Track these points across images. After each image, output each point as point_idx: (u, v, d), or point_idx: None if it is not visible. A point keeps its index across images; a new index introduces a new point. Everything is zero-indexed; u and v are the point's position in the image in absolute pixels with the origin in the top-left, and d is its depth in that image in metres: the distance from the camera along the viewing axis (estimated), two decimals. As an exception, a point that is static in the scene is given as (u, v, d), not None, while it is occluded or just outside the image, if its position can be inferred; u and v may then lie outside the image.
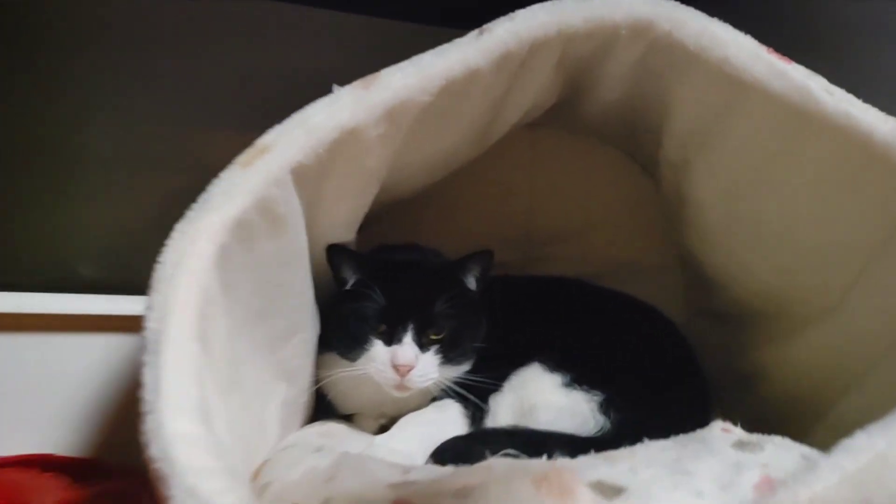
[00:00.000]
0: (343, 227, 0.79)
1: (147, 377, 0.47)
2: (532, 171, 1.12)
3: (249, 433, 0.65)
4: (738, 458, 0.51)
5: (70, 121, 0.94)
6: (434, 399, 0.86)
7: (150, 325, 0.50)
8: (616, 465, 0.51)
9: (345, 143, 0.64)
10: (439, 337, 0.81)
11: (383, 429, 0.83)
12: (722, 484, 0.48)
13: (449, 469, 0.55)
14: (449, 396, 0.85)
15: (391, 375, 0.78)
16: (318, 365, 0.86)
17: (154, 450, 0.44)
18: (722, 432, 0.57)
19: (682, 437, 0.58)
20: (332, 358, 0.84)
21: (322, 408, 0.89)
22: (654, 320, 0.93)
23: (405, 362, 0.77)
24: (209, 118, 1.00)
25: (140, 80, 0.96)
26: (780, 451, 0.52)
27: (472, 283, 0.86)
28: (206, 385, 0.51)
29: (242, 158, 0.60)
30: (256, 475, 0.63)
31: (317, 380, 0.85)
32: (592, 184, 1.11)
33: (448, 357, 0.81)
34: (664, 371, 0.85)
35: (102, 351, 0.83)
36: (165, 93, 0.98)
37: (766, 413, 0.89)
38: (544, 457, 0.54)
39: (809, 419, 0.79)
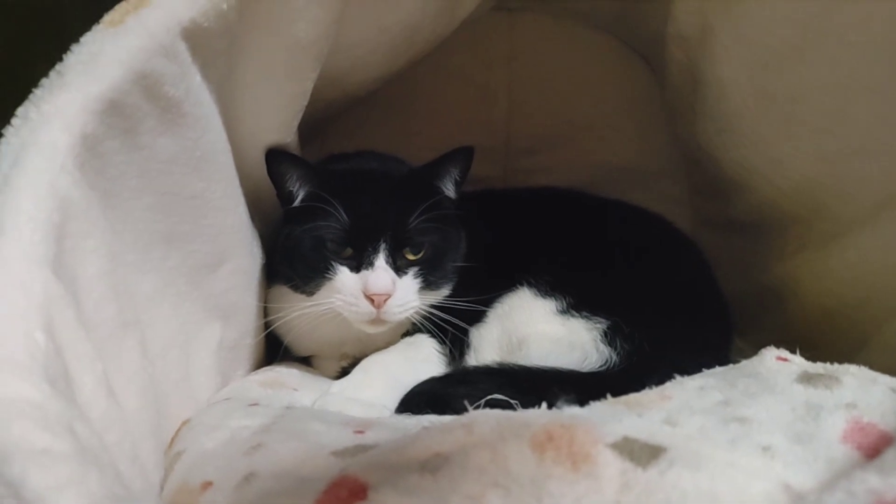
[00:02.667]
0: (276, 124, 0.62)
1: (-39, 322, 0.32)
2: (511, 66, 0.95)
3: (161, 389, 0.50)
4: (808, 396, 0.38)
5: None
6: (405, 335, 0.72)
7: (-27, 244, 0.34)
8: (645, 415, 0.37)
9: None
10: (417, 257, 0.65)
11: (347, 372, 0.69)
12: (796, 434, 0.34)
13: (416, 426, 0.41)
14: (421, 330, 0.71)
15: (364, 308, 0.62)
16: (268, 300, 0.71)
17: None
18: (778, 362, 0.43)
19: (724, 371, 0.44)
20: (284, 292, 0.69)
21: (275, 350, 0.74)
22: (661, 230, 0.79)
23: (381, 290, 0.62)
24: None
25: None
26: (864, 386, 0.38)
27: (450, 189, 0.70)
28: (61, 329, 0.35)
29: (111, 16, 0.43)
30: (172, 442, 0.49)
31: (266, 319, 0.71)
32: (581, 79, 0.95)
33: (428, 280, 0.66)
34: (677, 289, 0.71)
35: None
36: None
37: (794, 334, 0.76)
38: (543, 404, 0.40)
39: (853, 341, 0.66)
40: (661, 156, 0.96)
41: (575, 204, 0.81)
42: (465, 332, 0.70)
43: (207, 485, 0.37)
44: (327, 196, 0.63)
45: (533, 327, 0.68)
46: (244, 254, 0.64)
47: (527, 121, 0.98)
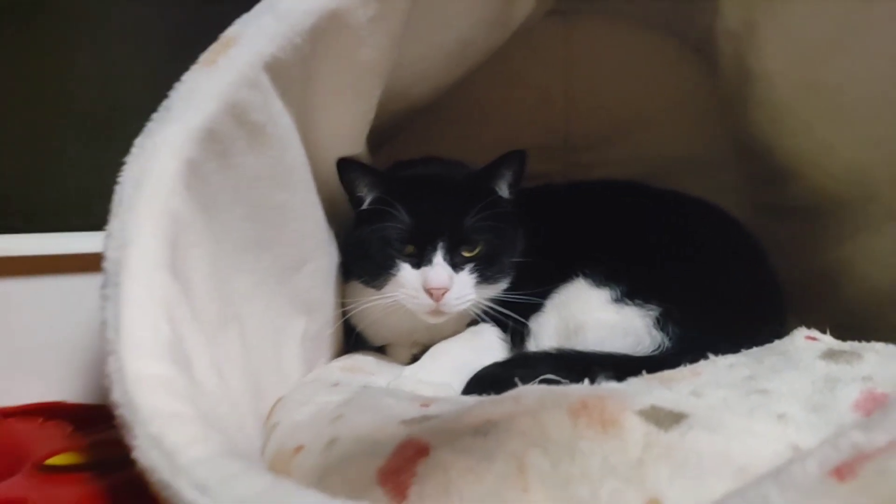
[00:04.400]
0: (347, 138, 0.70)
1: (107, 313, 0.40)
2: (568, 68, 0.99)
3: (258, 373, 0.58)
4: (829, 370, 0.41)
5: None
6: (471, 324, 0.78)
7: (109, 254, 0.43)
8: (674, 388, 0.41)
9: (328, 31, 0.54)
10: (473, 254, 0.71)
11: (417, 359, 0.76)
12: (812, 405, 0.38)
13: (472, 400, 0.47)
14: (485, 320, 0.76)
15: (424, 300, 0.69)
16: (345, 295, 0.79)
17: (116, 394, 0.37)
18: (806, 341, 0.46)
19: (755, 351, 0.48)
20: (358, 287, 0.76)
21: (353, 341, 0.82)
22: (716, 219, 0.81)
23: (439, 285, 0.68)
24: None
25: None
26: (885, 361, 0.41)
27: (504, 190, 0.76)
28: (180, 322, 0.43)
29: (205, 56, 0.51)
30: (269, 416, 0.57)
31: (343, 312, 0.78)
32: (636, 76, 0.97)
33: (484, 275, 0.72)
34: (731, 276, 0.73)
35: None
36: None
37: (852, 318, 0.77)
38: (586, 382, 0.45)
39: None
40: (716, 146, 0.97)
41: (628, 196, 0.84)
42: (526, 321, 0.75)
43: (299, 448, 0.45)
44: (391, 200, 0.70)
45: (589, 315, 0.72)
46: (323, 254, 0.72)
47: (584, 119, 1.01)
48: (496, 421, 0.38)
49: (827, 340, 0.46)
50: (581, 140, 1.01)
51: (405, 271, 0.70)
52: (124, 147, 0.47)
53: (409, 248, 0.70)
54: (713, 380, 0.42)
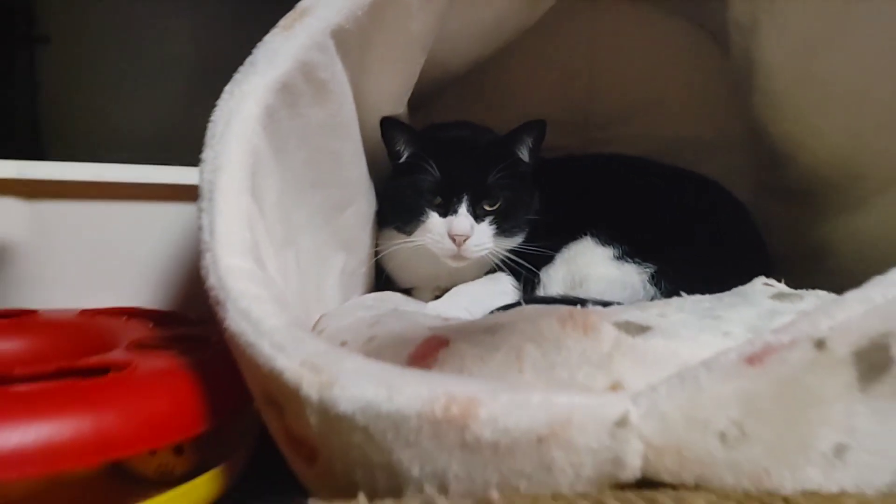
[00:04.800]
0: (392, 99, 0.80)
1: (203, 221, 0.51)
2: (592, 49, 1.08)
3: (306, 293, 0.69)
4: (774, 306, 0.51)
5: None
6: (489, 273, 0.89)
7: (205, 176, 0.53)
8: (646, 311, 0.52)
9: (384, 6, 0.64)
10: (493, 208, 0.82)
11: (440, 300, 0.87)
12: (751, 327, 0.48)
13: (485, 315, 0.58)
14: (502, 269, 0.87)
15: (448, 245, 0.80)
16: (378, 240, 0.90)
17: (211, 279, 0.48)
18: (763, 287, 0.56)
19: (722, 294, 0.58)
20: (390, 233, 0.87)
21: (383, 283, 0.93)
22: (712, 193, 0.90)
23: (461, 232, 0.79)
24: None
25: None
26: (820, 301, 0.51)
27: (525, 154, 0.86)
28: (257, 233, 0.54)
29: (284, 22, 0.61)
30: (315, 326, 0.68)
31: (376, 253, 0.89)
32: (656, 59, 1.06)
33: (502, 228, 0.83)
34: (722, 243, 0.83)
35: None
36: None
37: (838, 291, 0.86)
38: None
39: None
40: (726, 130, 1.06)
41: (634, 168, 0.94)
42: (537, 272, 0.86)
43: (343, 343, 0.56)
44: (425, 156, 0.81)
45: (593, 269, 0.83)
46: (364, 200, 0.83)
47: (605, 98, 1.10)
48: (502, 324, 0.49)
49: (780, 287, 0.56)
50: (601, 118, 1.10)
51: (433, 219, 0.81)
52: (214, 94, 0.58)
53: (438, 199, 0.81)
54: (678, 307, 0.52)
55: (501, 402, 0.38)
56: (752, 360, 0.38)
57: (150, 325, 0.66)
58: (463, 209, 0.80)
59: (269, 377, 0.43)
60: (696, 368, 0.39)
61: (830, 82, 0.73)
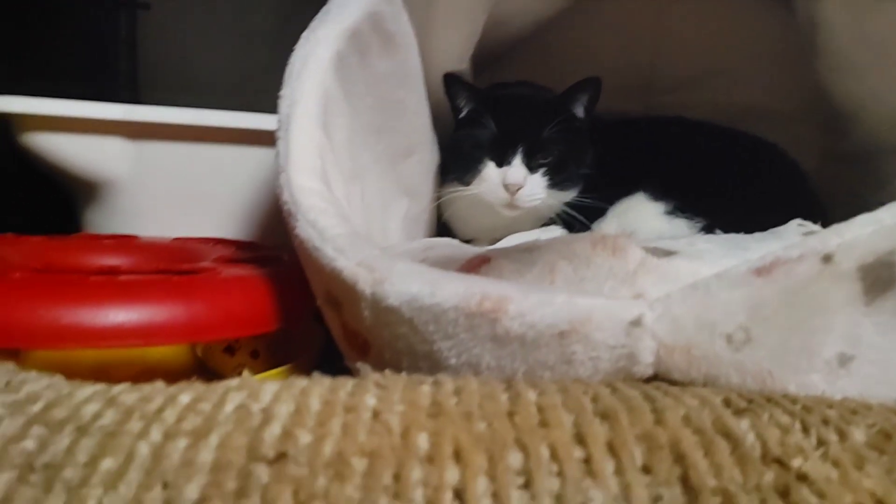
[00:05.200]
0: (455, 56, 0.85)
1: (280, 148, 0.59)
2: (658, 11, 1.09)
3: (371, 225, 0.76)
4: (801, 240, 0.53)
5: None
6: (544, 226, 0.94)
7: (282, 110, 0.60)
8: (677, 241, 0.55)
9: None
10: (547, 160, 0.86)
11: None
12: (776, 254, 0.51)
13: (527, 244, 0.63)
14: (556, 223, 0.91)
15: (502, 194, 0.86)
16: (440, 192, 0.96)
17: (285, 195, 0.55)
18: (798, 227, 0.58)
19: (756, 233, 0.61)
20: (451, 184, 0.93)
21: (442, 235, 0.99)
22: (768, 154, 0.91)
23: (514, 181, 0.84)
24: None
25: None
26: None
27: (580, 111, 0.90)
28: (326, 163, 0.61)
29: (356, -24, 0.67)
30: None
31: (437, 203, 0.95)
32: (722, 24, 1.06)
33: (555, 180, 0.87)
34: (775, 203, 0.85)
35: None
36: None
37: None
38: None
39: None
40: (791, 97, 1.05)
41: (689, 129, 0.96)
42: (589, 226, 0.90)
43: (399, 263, 0.62)
44: (483, 111, 0.86)
45: (644, 223, 0.86)
46: (427, 150, 0.89)
47: (669, 63, 1.11)
48: (540, 244, 0.54)
49: (813, 227, 0.58)
50: (664, 83, 1.12)
51: (489, 169, 0.86)
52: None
53: (494, 151, 0.86)
54: (707, 240, 0.55)
55: (529, 300, 0.43)
56: (761, 271, 0.42)
57: (234, 249, 0.75)
58: (517, 160, 0.85)
59: (331, 276, 0.50)
60: (708, 278, 0.43)
61: (886, 41, 0.73)
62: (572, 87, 0.88)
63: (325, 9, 0.66)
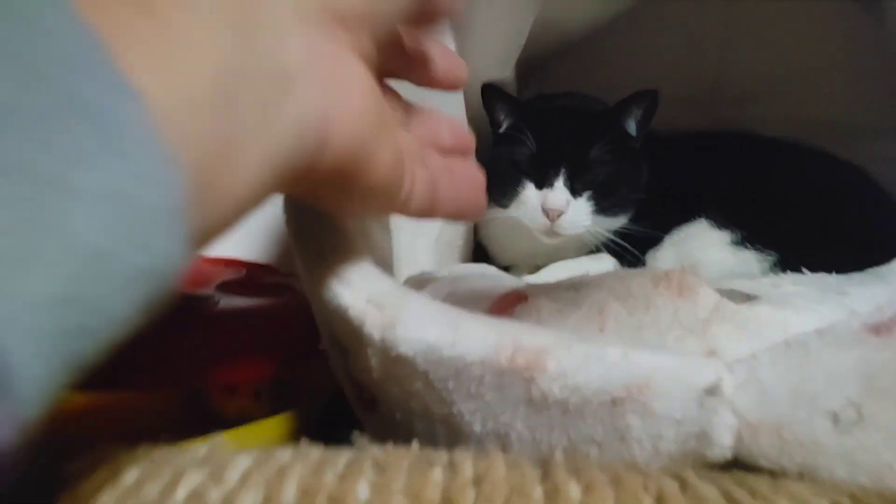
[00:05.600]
0: (497, 62, 0.77)
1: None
2: (726, 15, 0.99)
3: (397, 248, 0.68)
4: (916, 287, 0.43)
5: None
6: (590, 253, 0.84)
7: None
8: (758, 283, 0.45)
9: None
10: (593, 184, 0.77)
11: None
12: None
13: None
14: (605, 251, 0.82)
15: (541, 219, 0.76)
16: (477, 215, 0.88)
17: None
18: (905, 266, 0.48)
19: (853, 273, 0.50)
20: (489, 206, 0.85)
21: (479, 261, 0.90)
22: (849, 176, 0.80)
23: (555, 206, 0.75)
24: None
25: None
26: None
27: (632, 127, 0.80)
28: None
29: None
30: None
31: (475, 227, 0.87)
32: (797, 30, 0.95)
33: (602, 206, 0.77)
34: (860, 232, 0.73)
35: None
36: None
37: None
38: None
39: None
40: (880, 112, 0.94)
41: (756, 147, 0.85)
42: (641, 258, 0.80)
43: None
44: (523, 126, 0.78)
45: (705, 254, 0.76)
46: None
47: (737, 71, 1.00)
48: (589, 281, 0.45)
49: (928, 269, 0.47)
50: (731, 93, 1.01)
51: (529, 190, 0.77)
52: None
53: (534, 171, 0.77)
54: (796, 280, 0.45)
55: (574, 354, 0.35)
56: (879, 328, 0.32)
57: (244, 272, 0.68)
58: (559, 183, 0.76)
59: (335, 314, 0.41)
60: (807, 335, 0.33)
61: None
62: (625, 101, 0.79)
63: None
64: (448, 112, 0.73)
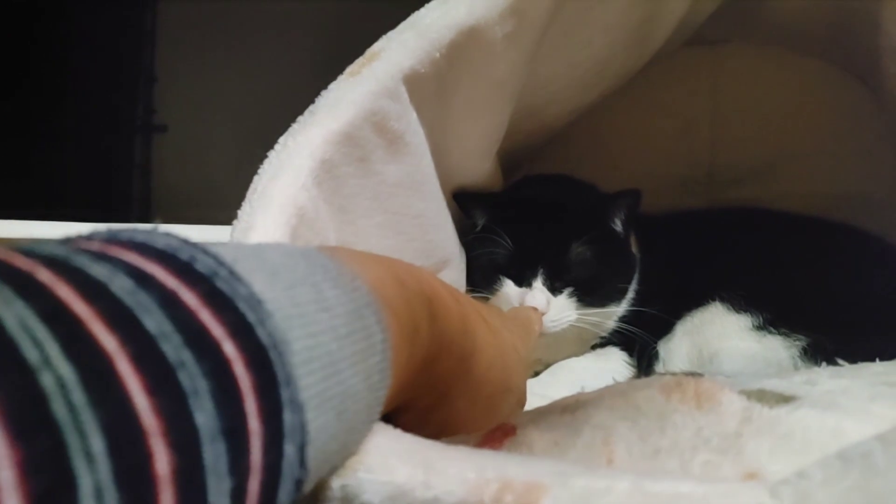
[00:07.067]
0: (477, 154, 0.73)
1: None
2: (715, 96, 0.97)
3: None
4: None
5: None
6: (598, 346, 0.77)
7: (235, 235, 0.48)
8: (790, 379, 0.38)
9: (465, 47, 0.58)
10: (573, 282, 0.72)
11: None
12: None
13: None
14: (611, 341, 0.75)
15: None
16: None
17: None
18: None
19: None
20: (475, 293, 0.79)
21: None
22: (874, 247, 0.74)
23: (534, 306, 0.70)
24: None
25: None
26: None
27: (617, 224, 0.76)
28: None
29: (351, 68, 0.57)
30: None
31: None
32: (791, 106, 0.93)
33: (586, 301, 0.72)
34: (885, 306, 0.66)
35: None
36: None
37: None
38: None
39: None
40: (889, 181, 0.89)
41: (770, 221, 0.80)
42: (652, 342, 0.73)
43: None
44: (499, 226, 0.74)
45: (725, 342, 0.69)
46: (454, 266, 0.75)
47: (732, 150, 0.97)
48: (585, 401, 0.38)
49: None
50: (727, 173, 0.97)
51: (509, 288, 0.73)
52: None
53: (512, 271, 0.73)
54: (834, 374, 0.38)
55: (574, 489, 0.27)
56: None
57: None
58: (538, 283, 0.71)
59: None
60: (866, 443, 0.26)
61: None
62: (606, 200, 0.76)
63: (311, 108, 0.55)
64: (431, 210, 0.68)
